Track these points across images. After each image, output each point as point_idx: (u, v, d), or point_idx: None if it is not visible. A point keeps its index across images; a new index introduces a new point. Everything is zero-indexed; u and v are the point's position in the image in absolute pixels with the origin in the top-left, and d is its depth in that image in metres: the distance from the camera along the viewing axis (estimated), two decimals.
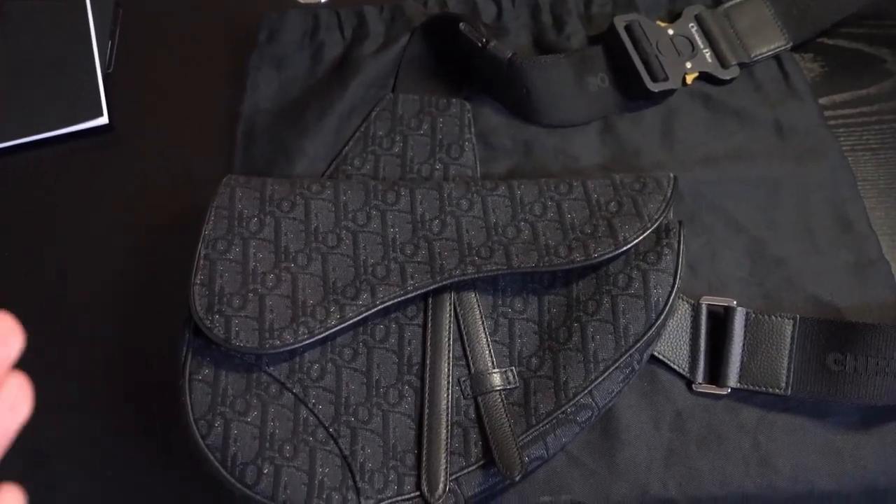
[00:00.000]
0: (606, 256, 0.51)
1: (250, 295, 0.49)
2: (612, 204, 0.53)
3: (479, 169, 0.59)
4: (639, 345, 0.50)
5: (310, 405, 0.49)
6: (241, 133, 0.61)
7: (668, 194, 0.53)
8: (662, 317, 0.50)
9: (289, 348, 0.48)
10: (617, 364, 0.49)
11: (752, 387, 0.52)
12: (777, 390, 0.52)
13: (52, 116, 0.62)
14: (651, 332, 0.50)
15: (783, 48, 0.63)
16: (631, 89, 0.61)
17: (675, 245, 0.52)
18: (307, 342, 0.48)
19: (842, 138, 0.61)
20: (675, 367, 0.53)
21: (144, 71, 0.66)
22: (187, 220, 0.57)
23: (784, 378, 0.52)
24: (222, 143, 0.62)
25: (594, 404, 0.49)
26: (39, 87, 0.64)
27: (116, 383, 0.56)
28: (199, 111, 0.64)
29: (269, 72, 0.63)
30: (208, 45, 0.66)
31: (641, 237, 0.51)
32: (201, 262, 0.50)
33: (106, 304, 0.58)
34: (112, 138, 0.63)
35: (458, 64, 0.62)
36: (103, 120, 0.63)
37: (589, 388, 0.49)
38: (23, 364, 0.54)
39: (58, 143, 0.63)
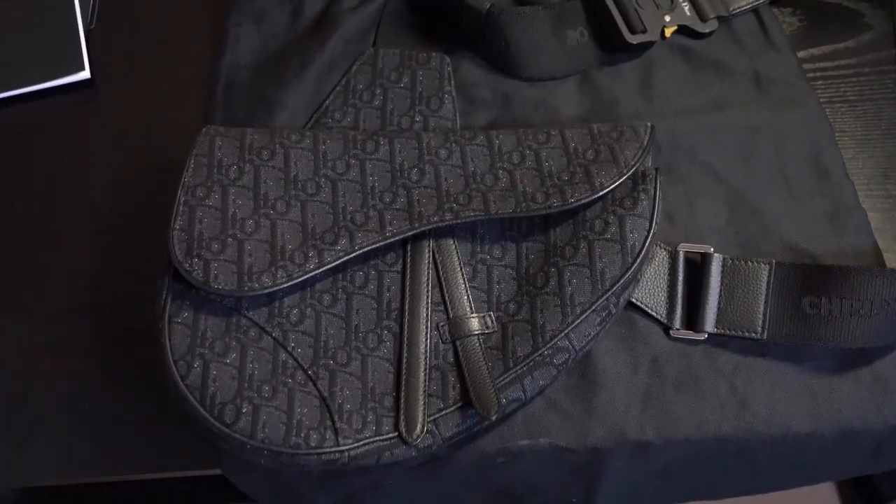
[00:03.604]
0: (583, 202, 0.51)
1: (229, 240, 0.50)
2: (590, 152, 0.53)
3: (458, 121, 0.59)
4: (615, 288, 0.50)
5: (289, 348, 0.49)
6: (221, 88, 0.62)
7: (645, 142, 0.53)
8: (639, 260, 0.50)
9: (267, 291, 0.49)
10: (593, 307, 0.50)
11: (728, 331, 0.53)
12: (753, 334, 0.52)
13: (34, 71, 0.62)
14: (627, 275, 0.50)
15: (762, 1, 0.63)
16: (610, 42, 0.61)
17: (652, 191, 0.52)
18: (285, 286, 0.49)
19: (819, 91, 0.62)
20: (653, 313, 0.53)
21: (126, 26, 0.66)
22: (168, 171, 0.57)
23: (760, 322, 0.52)
24: (203, 98, 0.62)
25: (571, 347, 0.50)
26: (21, 42, 0.64)
27: (98, 326, 0.56)
28: (181, 66, 0.64)
29: (249, 27, 0.63)
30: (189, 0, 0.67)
31: (618, 183, 0.52)
32: (180, 208, 0.51)
33: (87, 252, 0.58)
34: (93, 92, 0.64)
35: (437, 18, 0.62)
36: (85, 74, 0.63)
37: (566, 331, 0.49)
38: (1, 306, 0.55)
39: (40, 97, 0.63)
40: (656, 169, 0.53)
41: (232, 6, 0.64)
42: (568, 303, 0.50)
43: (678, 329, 0.53)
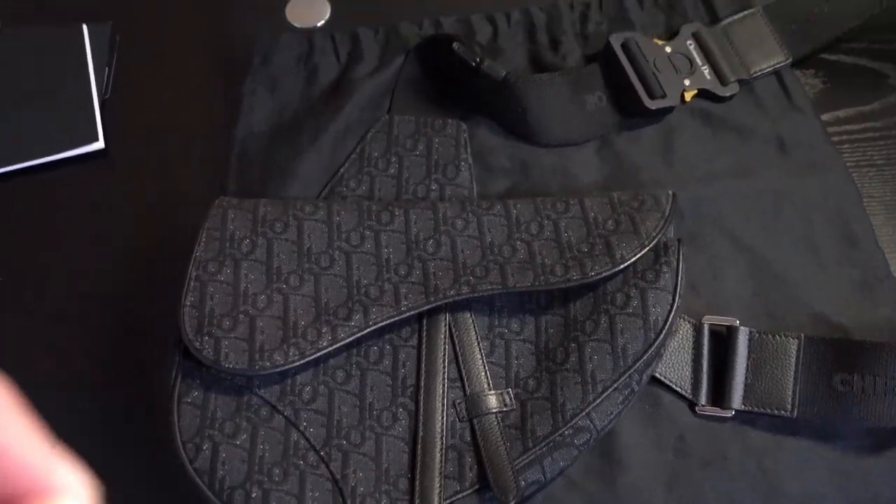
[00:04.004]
0: (604, 275, 0.50)
1: (241, 316, 0.49)
2: (610, 222, 0.52)
3: (475, 189, 0.58)
4: (638, 365, 0.48)
5: (301, 428, 0.48)
6: (235, 156, 0.61)
7: (667, 212, 0.52)
8: (662, 336, 0.49)
9: (279, 370, 0.47)
10: (615, 385, 0.48)
11: (756, 408, 0.51)
12: (783, 412, 0.50)
13: (49, 142, 0.62)
14: (650, 351, 0.49)
15: (783, 64, 0.62)
16: (629, 107, 0.60)
17: (674, 263, 0.51)
18: (298, 364, 0.47)
19: (845, 155, 0.60)
20: (678, 388, 0.51)
21: (140, 96, 0.66)
22: (181, 244, 0.56)
23: (790, 399, 0.50)
24: (217, 167, 0.61)
25: (592, 427, 0.48)
26: (36, 112, 0.64)
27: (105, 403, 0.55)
28: (194, 135, 0.64)
29: (263, 95, 0.63)
30: (204, 69, 0.66)
31: (639, 255, 0.50)
32: (192, 283, 0.50)
33: (98, 326, 0.57)
34: (107, 163, 0.63)
35: (453, 84, 0.61)
36: (99, 145, 0.63)
37: (587, 410, 0.48)
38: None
39: (53, 168, 0.63)
40: (678, 240, 0.52)
41: (246, 73, 0.64)
42: (589, 380, 0.48)
43: (704, 406, 0.51)
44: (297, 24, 0.68)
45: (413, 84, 0.62)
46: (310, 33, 0.65)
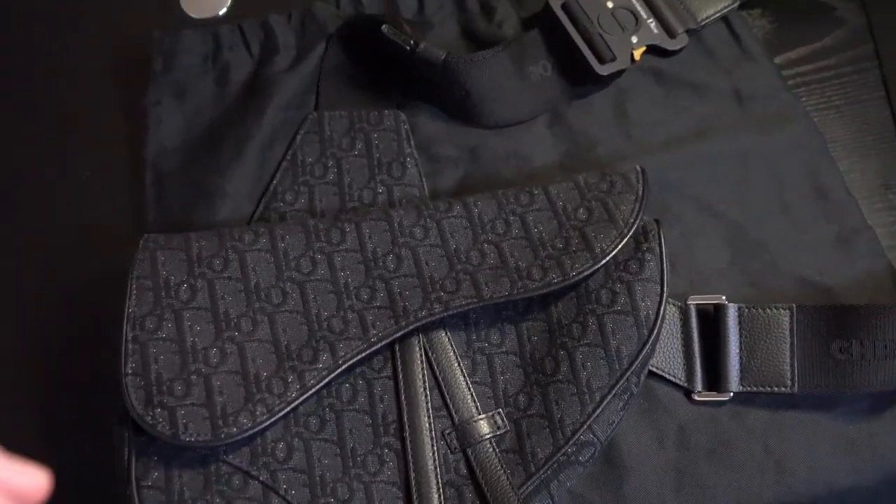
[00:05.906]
0: (585, 273, 0.46)
1: (193, 377, 0.43)
2: (581, 211, 0.48)
3: (425, 186, 0.53)
4: (634, 366, 0.45)
5: (281, 492, 0.43)
6: (149, 180, 0.54)
7: (640, 192, 0.48)
8: (656, 332, 0.45)
9: (247, 434, 0.42)
10: (614, 391, 0.45)
11: (755, 388, 0.48)
12: (783, 388, 0.48)
13: None
14: (646, 350, 0.45)
15: (731, 7, 0.58)
16: (576, 74, 0.56)
17: (657, 249, 0.47)
18: (268, 423, 0.42)
19: (804, 99, 0.57)
20: (671, 377, 0.49)
21: (21, 116, 0.57)
22: (100, 291, 0.50)
23: (788, 374, 0.48)
24: (129, 195, 0.54)
25: (596, 440, 0.45)
26: None
27: None
28: (96, 160, 0.56)
29: (170, 104, 0.55)
30: (94, 75, 0.58)
31: (620, 246, 0.46)
32: (129, 346, 0.43)
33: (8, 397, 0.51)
34: None
35: (384, 70, 0.55)
36: None
37: (588, 423, 0.44)
38: None
39: None
40: (657, 221, 0.48)
41: (148, 82, 0.56)
42: (585, 390, 0.45)
43: (701, 392, 0.48)
44: (194, 16, 0.60)
45: (339, 73, 0.56)
46: (213, 25, 0.57)
